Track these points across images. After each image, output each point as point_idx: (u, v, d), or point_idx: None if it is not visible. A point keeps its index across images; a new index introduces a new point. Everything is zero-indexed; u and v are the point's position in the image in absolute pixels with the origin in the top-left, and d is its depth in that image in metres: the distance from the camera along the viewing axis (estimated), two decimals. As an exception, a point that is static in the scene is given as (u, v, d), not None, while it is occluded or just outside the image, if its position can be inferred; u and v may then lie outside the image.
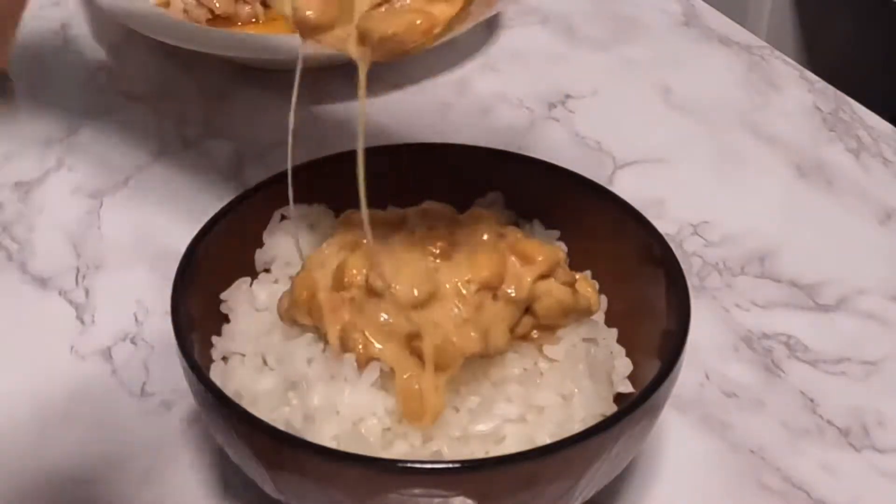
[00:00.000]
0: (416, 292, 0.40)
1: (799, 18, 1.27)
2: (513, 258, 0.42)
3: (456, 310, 0.40)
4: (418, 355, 0.40)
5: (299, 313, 0.42)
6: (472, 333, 0.40)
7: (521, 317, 0.42)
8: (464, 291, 0.41)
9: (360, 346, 0.40)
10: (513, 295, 0.41)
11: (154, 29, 0.67)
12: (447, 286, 0.41)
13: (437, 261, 0.41)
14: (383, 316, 0.40)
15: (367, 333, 0.40)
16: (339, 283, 0.41)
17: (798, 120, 0.67)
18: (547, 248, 0.43)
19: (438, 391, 0.39)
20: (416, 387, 0.39)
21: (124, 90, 0.70)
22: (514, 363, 0.41)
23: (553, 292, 0.42)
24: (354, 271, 0.41)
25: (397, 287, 0.40)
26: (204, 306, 0.44)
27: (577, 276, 0.44)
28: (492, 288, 0.41)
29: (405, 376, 0.39)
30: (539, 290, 0.42)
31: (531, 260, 0.42)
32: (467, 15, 0.40)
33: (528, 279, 0.42)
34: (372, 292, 0.40)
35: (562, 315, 0.42)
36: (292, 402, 0.40)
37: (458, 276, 0.41)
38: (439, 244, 0.42)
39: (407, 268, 0.41)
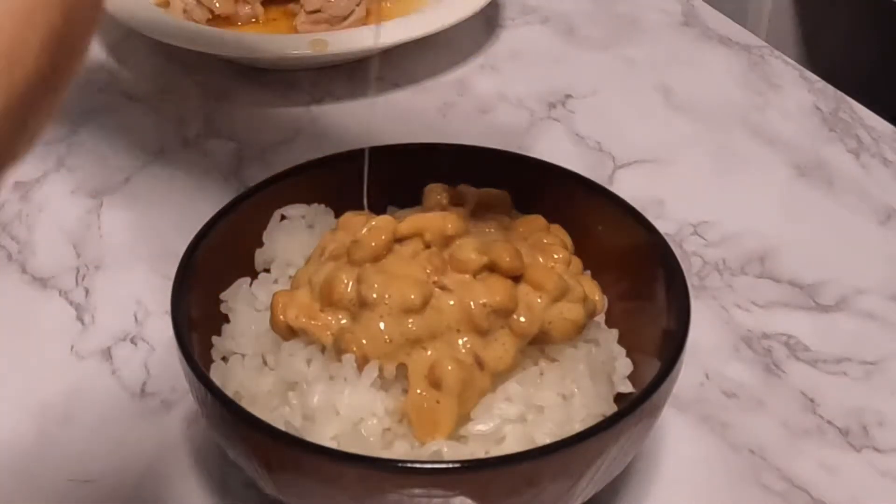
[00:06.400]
0: (412, 296, 0.40)
1: (799, 18, 1.27)
2: (524, 283, 0.42)
3: (459, 330, 0.40)
4: (433, 381, 0.39)
5: (279, 331, 0.42)
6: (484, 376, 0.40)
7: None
8: (472, 306, 0.40)
9: (355, 348, 0.40)
10: (523, 323, 0.41)
11: (154, 29, 0.67)
12: (451, 303, 0.41)
13: (432, 278, 0.41)
14: (381, 325, 0.40)
15: (364, 341, 0.40)
16: (327, 298, 0.41)
17: (798, 120, 0.67)
18: (555, 276, 0.42)
19: (454, 416, 0.39)
20: (429, 406, 0.39)
21: (124, 90, 0.70)
22: (515, 363, 0.41)
23: (565, 314, 0.42)
24: (343, 286, 0.41)
25: (388, 296, 0.40)
26: (204, 306, 0.44)
27: (581, 279, 0.44)
28: (504, 313, 0.41)
29: (419, 392, 0.39)
30: (551, 315, 0.41)
31: (541, 287, 0.42)
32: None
33: (540, 307, 0.41)
34: (364, 304, 0.40)
35: (577, 332, 0.42)
36: (292, 402, 0.40)
37: (472, 296, 0.41)
38: (435, 261, 0.42)
39: (399, 279, 0.41)
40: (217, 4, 0.70)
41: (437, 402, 0.39)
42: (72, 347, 0.52)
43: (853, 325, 0.53)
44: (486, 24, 0.75)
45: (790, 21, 1.27)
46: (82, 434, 0.48)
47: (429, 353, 0.40)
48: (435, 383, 0.39)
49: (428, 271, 0.41)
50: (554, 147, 0.64)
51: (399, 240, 0.42)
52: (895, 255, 0.58)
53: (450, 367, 0.39)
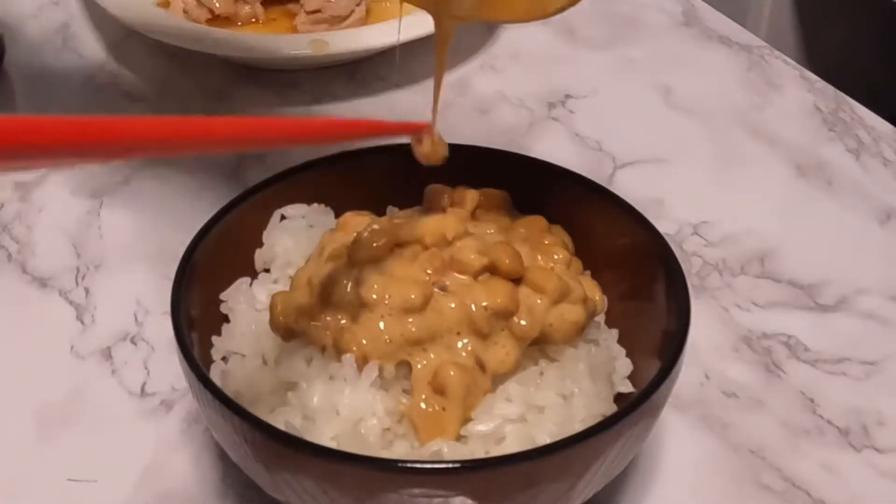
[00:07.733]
0: (412, 296, 0.40)
1: (799, 18, 1.27)
2: (524, 285, 0.42)
3: (459, 332, 0.40)
4: (437, 387, 0.39)
5: (278, 332, 0.42)
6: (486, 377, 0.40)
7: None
8: (472, 308, 0.40)
9: (355, 348, 0.40)
10: (524, 326, 0.41)
11: (154, 29, 0.67)
12: (452, 305, 0.40)
13: (433, 279, 0.41)
14: (381, 325, 0.40)
15: (364, 341, 0.40)
16: (327, 298, 0.41)
17: (798, 120, 0.67)
18: (555, 278, 0.42)
19: (459, 422, 0.39)
20: (434, 413, 0.39)
21: (124, 90, 0.70)
22: (515, 363, 0.41)
23: (566, 315, 0.42)
24: (343, 286, 0.41)
25: (388, 296, 0.40)
26: (204, 306, 0.44)
27: (582, 279, 0.44)
28: (505, 315, 0.41)
29: (423, 398, 0.39)
30: (552, 317, 0.41)
31: (542, 289, 0.42)
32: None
33: (541, 309, 0.41)
34: (364, 304, 0.40)
35: (578, 333, 0.42)
36: (292, 402, 0.40)
37: (472, 298, 0.41)
38: (436, 262, 0.41)
39: (399, 280, 0.41)
40: (217, 4, 0.70)
41: (443, 408, 0.39)
42: (72, 347, 0.52)
43: (853, 325, 0.53)
44: (486, 24, 0.74)
45: (790, 21, 1.27)
46: (82, 434, 0.48)
47: (430, 355, 0.40)
48: (439, 390, 0.39)
49: (428, 272, 0.41)
50: (554, 147, 0.64)
51: (399, 244, 0.42)
52: (895, 255, 0.58)
53: (452, 373, 0.39)
